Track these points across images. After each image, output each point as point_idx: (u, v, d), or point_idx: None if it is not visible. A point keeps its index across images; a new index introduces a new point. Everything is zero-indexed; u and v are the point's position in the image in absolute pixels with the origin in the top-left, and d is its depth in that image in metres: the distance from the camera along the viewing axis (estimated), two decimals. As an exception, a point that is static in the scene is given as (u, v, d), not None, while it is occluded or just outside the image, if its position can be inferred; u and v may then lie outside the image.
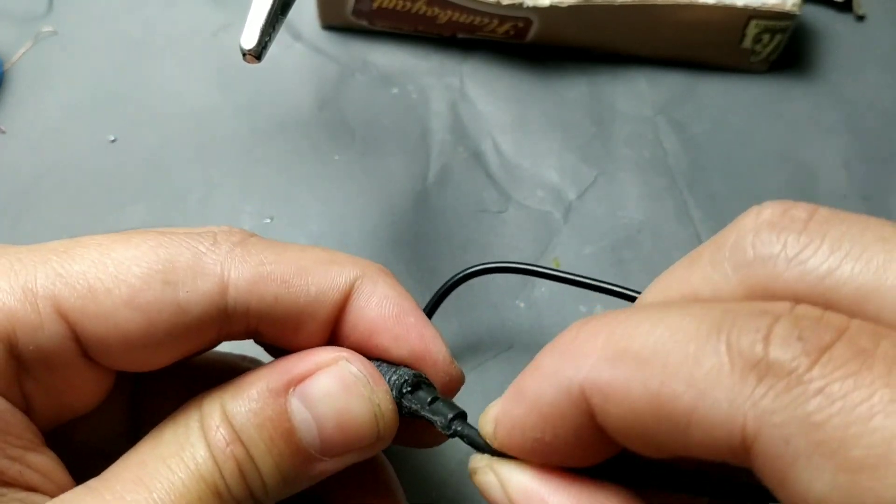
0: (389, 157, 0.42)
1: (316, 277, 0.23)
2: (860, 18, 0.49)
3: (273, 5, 0.29)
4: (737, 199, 0.41)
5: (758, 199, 0.42)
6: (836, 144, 0.44)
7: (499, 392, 0.35)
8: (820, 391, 0.13)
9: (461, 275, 0.34)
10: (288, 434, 0.21)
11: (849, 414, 0.12)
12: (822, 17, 0.48)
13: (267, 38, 0.29)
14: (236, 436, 0.21)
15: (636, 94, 0.45)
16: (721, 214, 0.41)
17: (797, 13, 0.42)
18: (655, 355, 0.15)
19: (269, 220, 0.39)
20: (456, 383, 0.25)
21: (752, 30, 0.43)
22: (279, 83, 0.44)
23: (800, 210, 0.16)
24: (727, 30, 0.43)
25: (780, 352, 0.13)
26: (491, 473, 0.19)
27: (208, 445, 0.21)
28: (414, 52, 0.46)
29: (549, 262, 0.39)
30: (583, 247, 0.39)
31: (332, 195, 0.40)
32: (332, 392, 0.21)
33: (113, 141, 0.42)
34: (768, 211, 0.16)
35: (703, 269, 0.17)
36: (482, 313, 0.37)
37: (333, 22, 0.46)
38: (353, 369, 0.22)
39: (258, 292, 0.22)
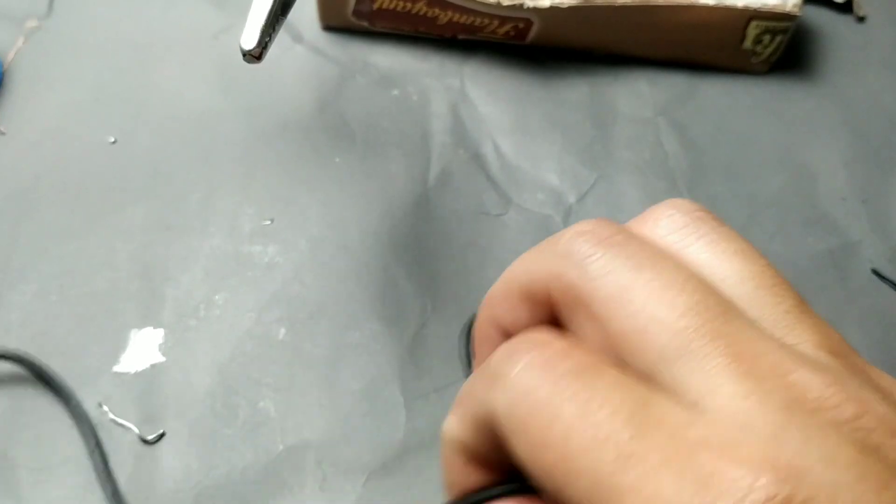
0: (390, 160, 0.42)
1: None
2: (861, 19, 0.49)
3: (273, 6, 0.29)
4: (737, 201, 0.41)
5: (758, 200, 0.42)
6: (836, 146, 0.44)
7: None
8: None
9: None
10: None
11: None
12: (823, 18, 0.48)
13: (267, 39, 0.29)
14: None
15: (637, 96, 0.45)
16: (721, 216, 0.40)
17: (798, 14, 0.42)
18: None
19: (269, 222, 0.39)
20: None
21: (752, 31, 0.43)
22: (279, 85, 0.44)
23: (605, 228, 0.19)
24: (728, 31, 0.43)
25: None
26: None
27: None
28: (414, 54, 0.46)
29: (549, 263, 0.39)
30: (583, 248, 0.39)
31: (333, 197, 0.40)
32: None
33: (113, 142, 0.42)
34: (589, 224, 0.19)
35: (536, 255, 0.21)
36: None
37: (334, 23, 0.46)
38: None
39: None
